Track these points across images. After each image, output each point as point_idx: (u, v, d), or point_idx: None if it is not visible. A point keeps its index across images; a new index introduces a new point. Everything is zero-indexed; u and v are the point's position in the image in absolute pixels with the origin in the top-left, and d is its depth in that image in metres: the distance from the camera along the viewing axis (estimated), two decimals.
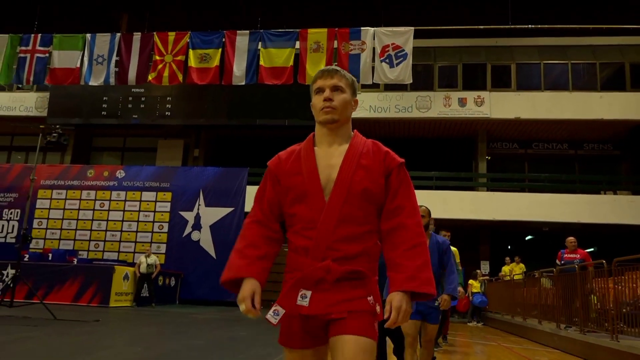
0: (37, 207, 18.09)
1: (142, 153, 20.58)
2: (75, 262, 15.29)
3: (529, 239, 19.19)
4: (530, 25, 14.71)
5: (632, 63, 17.17)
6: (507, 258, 15.45)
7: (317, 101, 1.95)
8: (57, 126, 10.21)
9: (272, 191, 1.94)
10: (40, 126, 9.79)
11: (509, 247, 18.60)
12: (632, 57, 17.25)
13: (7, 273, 14.13)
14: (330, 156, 1.91)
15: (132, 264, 15.24)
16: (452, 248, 6.23)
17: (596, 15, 17.72)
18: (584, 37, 17.74)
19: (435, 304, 4.26)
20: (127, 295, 14.00)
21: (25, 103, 19.39)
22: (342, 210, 1.81)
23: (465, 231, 16.53)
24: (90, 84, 12.28)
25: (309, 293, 1.79)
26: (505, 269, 14.95)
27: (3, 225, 18.37)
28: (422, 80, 17.67)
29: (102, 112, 18.48)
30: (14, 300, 8.73)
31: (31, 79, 12.42)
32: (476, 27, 14.87)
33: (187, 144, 20.00)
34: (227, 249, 17.11)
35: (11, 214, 18.42)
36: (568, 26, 15.65)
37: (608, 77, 17.44)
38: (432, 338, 4.50)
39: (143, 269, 14.09)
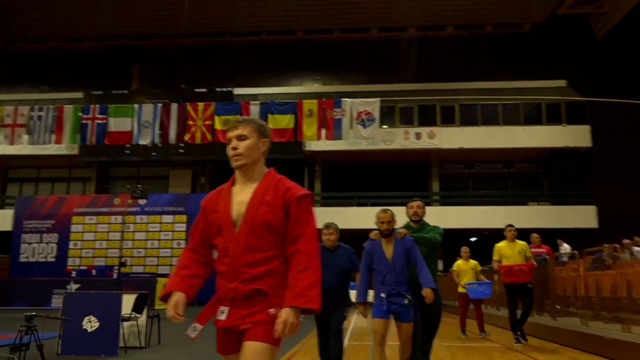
0: (72, 231, 21.87)
1: (155, 181, 24.44)
2: (114, 275, 19.29)
3: (473, 240, 23.99)
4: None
5: (547, 103, 22.09)
6: (458, 257, 20.07)
7: (228, 150, 2.25)
8: (139, 186, 14.16)
9: (202, 224, 2.27)
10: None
11: (458, 247, 23.30)
12: (547, 97, 22.14)
13: (71, 287, 18.05)
14: (242, 194, 2.21)
15: (160, 275, 19.30)
16: (521, 242, 7.80)
17: (519, 64, 22.69)
18: (510, 81, 22.62)
19: (406, 302, 4.34)
20: None
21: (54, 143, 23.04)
22: (247, 240, 2.11)
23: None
24: (140, 143, 16.30)
25: (226, 309, 2.11)
26: (455, 266, 19.56)
27: (43, 248, 22.04)
28: (386, 119, 22.20)
29: (126, 151, 22.36)
30: None
31: (93, 139, 16.34)
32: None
33: (195, 173, 24.07)
34: None
35: (50, 237, 22.09)
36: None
37: (529, 114, 22.35)
38: (408, 338, 4.43)
39: None
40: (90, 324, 5.96)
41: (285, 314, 2.01)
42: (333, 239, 5.08)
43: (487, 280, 9.37)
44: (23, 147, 20.22)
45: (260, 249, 2.13)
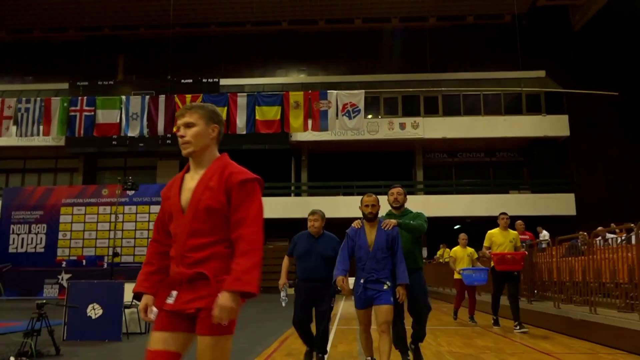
0: (60, 221, 22.01)
1: (142, 171, 24.62)
2: (105, 265, 19.56)
3: (456, 228, 24.62)
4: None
5: (527, 94, 22.65)
6: (442, 245, 20.61)
7: (178, 139, 2.28)
8: (130, 177, 14.41)
9: (161, 213, 2.33)
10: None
11: (442, 235, 23.91)
12: (527, 88, 22.71)
13: (62, 277, 18.28)
14: (192, 181, 2.23)
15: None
16: (513, 232, 7.97)
17: (500, 55, 23.19)
18: (491, 72, 23.14)
19: (385, 288, 4.25)
20: None
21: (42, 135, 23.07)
22: (191, 225, 2.13)
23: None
24: (129, 135, 16.49)
25: (175, 293, 2.13)
26: (439, 252, 20.10)
27: (32, 238, 22.16)
28: (371, 109, 22.60)
29: (113, 142, 22.50)
30: None
31: (82, 132, 16.48)
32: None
33: (182, 163, 24.24)
34: None
35: (38, 228, 22.21)
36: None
37: (509, 104, 22.92)
38: (386, 321, 4.24)
39: None
40: (94, 311, 6.31)
41: (222, 299, 1.99)
42: (317, 225, 5.03)
43: (483, 267, 9.27)
44: (9, 139, 20.26)
45: (204, 234, 2.14)
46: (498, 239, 7.91)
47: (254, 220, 2.12)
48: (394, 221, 4.53)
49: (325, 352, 5.12)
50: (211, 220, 2.14)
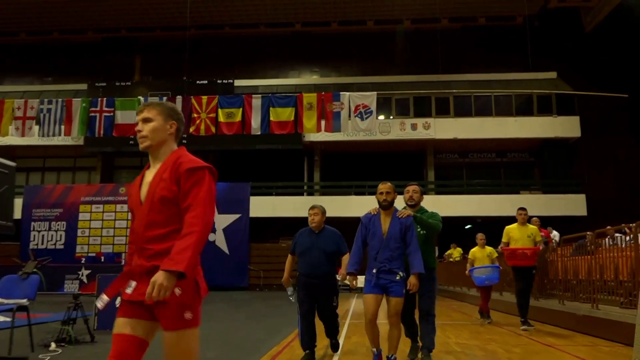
0: (79, 219, 22.62)
1: None
2: (122, 262, 20.07)
3: (467, 227, 24.86)
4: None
5: (538, 95, 22.83)
6: (452, 244, 20.88)
7: (137, 134, 2.32)
8: None
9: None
10: None
11: (453, 234, 24.17)
12: (537, 89, 22.89)
13: (82, 273, 18.84)
14: (150, 175, 2.28)
15: None
16: (532, 226, 7.71)
17: (511, 56, 23.38)
18: (503, 73, 23.36)
19: (397, 278, 4.22)
20: None
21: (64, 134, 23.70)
22: (148, 217, 2.17)
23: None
24: None
25: (134, 283, 2.17)
26: (451, 251, 20.37)
27: (52, 235, 22.79)
28: (383, 110, 22.92)
29: (130, 142, 23.01)
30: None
31: (101, 132, 17.01)
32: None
33: None
34: (236, 247, 22.15)
35: (58, 225, 22.83)
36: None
37: (520, 105, 23.11)
38: (397, 313, 4.27)
39: None
40: None
41: (156, 277, 2.00)
42: (317, 220, 4.96)
43: (494, 265, 8.80)
44: (29, 138, 20.86)
45: (161, 225, 2.17)
46: (515, 234, 7.72)
47: (198, 205, 2.14)
48: (409, 211, 4.53)
49: (337, 336, 5.24)
50: (166, 210, 2.18)
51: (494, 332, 7.48)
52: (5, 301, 4.75)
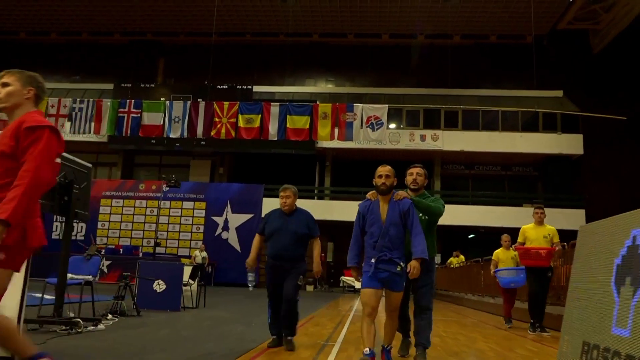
0: (100, 212, 23.77)
1: (175, 169, 26.25)
2: (140, 255, 21.17)
3: (471, 237, 25.75)
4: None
5: (544, 112, 23.71)
6: (455, 252, 21.77)
7: None
8: (173, 176, 15.97)
9: None
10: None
11: (456, 242, 25.05)
12: (544, 107, 23.77)
13: (103, 263, 19.96)
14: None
15: (180, 256, 21.18)
16: (549, 227, 7.26)
17: (519, 74, 24.27)
18: (510, 90, 24.27)
19: (398, 270, 3.97)
20: None
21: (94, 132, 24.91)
22: None
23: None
24: (171, 136, 18.12)
25: None
26: (451, 260, 21.28)
27: (74, 226, 23.89)
28: (393, 120, 23.90)
29: (152, 141, 24.13)
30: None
31: (129, 132, 18.15)
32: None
33: (214, 163, 25.89)
34: (248, 245, 23.09)
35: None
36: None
37: (526, 122, 24.00)
38: (396, 308, 4.10)
39: (198, 260, 19.98)
40: (159, 286, 7.76)
41: None
42: (289, 202, 4.84)
43: (521, 267, 8.17)
44: None
45: (2, 176, 2.37)
46: (531, 234, 7.46)
47: (32, 161, 2.31)
48: (403, 192, 4.26)
49: (293, 333, 4.90)
50: (3, 164, 2.38)
51: (482, 327, 8.39)
52: (75, 276, 5.79)
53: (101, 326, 5.27)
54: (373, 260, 3.99)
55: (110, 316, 6.10)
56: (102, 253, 22.26)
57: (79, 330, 4.82)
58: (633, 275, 2.83)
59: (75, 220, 22.62)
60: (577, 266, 3.70)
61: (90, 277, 5.93)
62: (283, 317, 4.77)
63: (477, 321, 9.83)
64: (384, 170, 4.15)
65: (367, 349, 3.88)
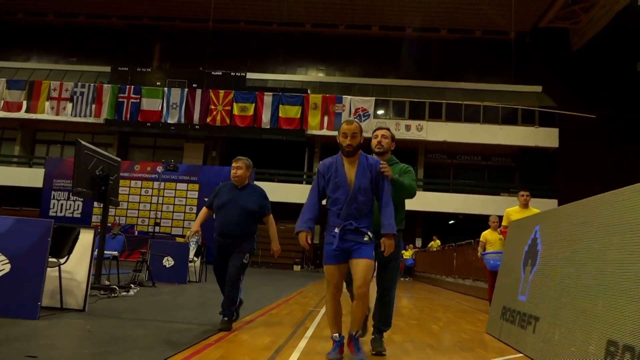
0: None
1: (169, 151, 27.20)
2: (135, 233, 22.26)
3: (451, 223, 27.14)
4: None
5: (523, 108, 24.97)
6: (434, 236, 23.11)
7: None
8: (172, 160, 16.98)
9: None
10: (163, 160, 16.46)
11: (437, 228, 26.41)
12: (523, 101, 25.00)
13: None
14: None
15: (174, 235, 22.27)
16: (535, 209, 6.71)
17: (501, 69, 25.45)
18: (492, 84, 25.48)
19: (365, 239, 3.42)
20: None
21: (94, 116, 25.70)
22: None
23: (407, 218, 24.26)
24: (169, 122, 19.08)
25: None
26: (432, 244, 22.62)
27: (70, 205, 24.87)
28: (380, 110, 25.02)
29: (148, 124, 25.02)
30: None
31: (128, 116, 19.09)
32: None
33: (207, 147, 26.86)
34: None
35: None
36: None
37: (506, 115, 25.26)
38: (366, 282, 3.35)
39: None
40: (168, 262, 8.88)
41: None
42: (240, 174, 4.54)
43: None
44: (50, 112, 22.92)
45: None
46: (516, 217, 7.10)
47: None
48: (387, 168, 3.69)
49: (232, 315, 4.54)
50: None
51: (448, 310, 9.64)
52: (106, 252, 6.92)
53: (131, 292, 6.39)
54: (337, 230, 3.49)
55: (132, 285, 7.21)
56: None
57: (115, 295, 5.94)
58: (532, 258, 4.02)
59: (72, 199, 23.24)
60: (507, 251, 4.89)
61: (116, 252, 7.04)
62: (225, 297, 4.47)
63: (445, 299, 11.09)
64: (349, 128, 3.61)
65: (337, 334, 3.52)
